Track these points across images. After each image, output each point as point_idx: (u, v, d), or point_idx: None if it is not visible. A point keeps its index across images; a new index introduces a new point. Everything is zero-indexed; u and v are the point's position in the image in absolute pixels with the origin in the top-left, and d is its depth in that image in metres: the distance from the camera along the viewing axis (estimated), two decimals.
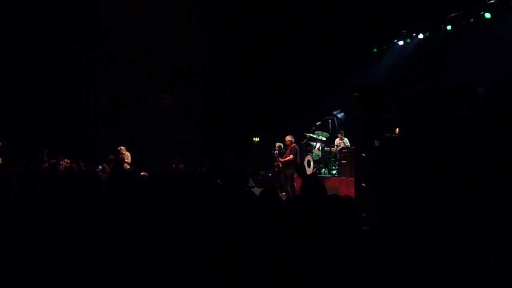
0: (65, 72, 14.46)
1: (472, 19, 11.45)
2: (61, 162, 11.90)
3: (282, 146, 11.46)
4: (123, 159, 12.34)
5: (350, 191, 8.66)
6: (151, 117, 15.95)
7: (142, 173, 6.95)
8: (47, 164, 11.47)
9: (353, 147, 9.91)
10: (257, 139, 17.35)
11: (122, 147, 12.69)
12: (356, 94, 7.82)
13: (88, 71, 15.11)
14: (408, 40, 13.57)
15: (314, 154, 12.14)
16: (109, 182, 4.06)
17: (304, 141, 12.56)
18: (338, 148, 11.78)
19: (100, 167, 11.65)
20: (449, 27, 12.12)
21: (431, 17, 12.36)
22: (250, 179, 11.60)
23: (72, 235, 2.89)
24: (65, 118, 14.44)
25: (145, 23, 15.04)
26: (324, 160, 12.04)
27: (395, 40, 13.91)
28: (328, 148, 12.18)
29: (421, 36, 12.99)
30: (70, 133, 14.27)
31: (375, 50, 14.37)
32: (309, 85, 14.99)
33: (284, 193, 11.02)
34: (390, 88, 8.04)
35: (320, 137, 12.26)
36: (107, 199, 3.63)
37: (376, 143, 7.30)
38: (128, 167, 12.37)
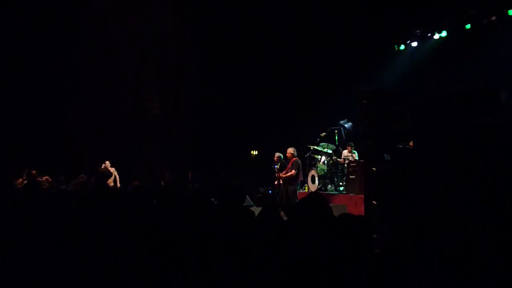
0: (41, 80, 14.49)
1: (494, 17, 11.50)
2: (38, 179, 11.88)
3: (282, 156, 11.44)
4: (106, 173, 12.37)
5: (359, 209, 8.64)
6: (137, 128, 15.96)
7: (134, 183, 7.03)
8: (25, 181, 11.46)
9: (362, 161, 9.91)
10: (255, 152, 17.34)
11: (107, 162, 12.78)
12: (365, 101, 7.83)
13: (65, 78, 15.11)
14: (422, 42, 13.63)
15: (318, 168, 12.13)
16: (79, 201, 4.08)
17: (308, 154, 12.58)
18: (345, 162, 11.79)
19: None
20: (468, 26, 12.18)
21: (448, 15, 12.43)
22: (247, 197, 11.58)
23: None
24: (40, 131, 14.43)
25: (130, 25, 15.09)
26: (330, 175, 12.04)
27: (408, 41, 13.97)
28: (335, 162, 12.18)
29: (437, 36, 13.06)
30: (46, 148, 14.24)
31: (396, 46, 14.21)
32: (313, 92, 15.05)
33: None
34: (403, 94, 8.07)
35: (325, 150, 12.27)
36: (78, 222, 3.65)
37: (387, 156, 7.31)
38: (112, 184, 12.38)
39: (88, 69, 15.16)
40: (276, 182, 11.47)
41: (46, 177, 12.04)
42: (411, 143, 7.53)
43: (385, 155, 7.33)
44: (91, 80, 15.20)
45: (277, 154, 11.57)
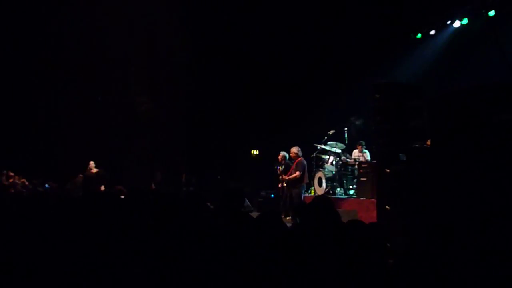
0: (20, 73, 14.51)
1: None
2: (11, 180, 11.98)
3: (287, 156, 11.45)
4: (101, 176, 12.43)
5: (371, 215, 8.64)
6: (126, 125, 15.97)
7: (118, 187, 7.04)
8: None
9: (374, 161, 9.94)
10: (256, 152, 17.35)
11: (91, 162, 12.79)
12: (378, 95, 7.83)
13: (48, 71, 15.11)
14: (441, 30, 13.62)
15: (326, 170, 12.15)
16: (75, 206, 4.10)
17: (314, 154, 12.59)
18: (356, 163, 11.80)
19: (47, 185, 11.69)
20: (492, 13, 12.17)
21: (470, 0, 12.44)
22: (247, 201, 11.60)
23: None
24: (20, 128, 14.46)
25: (117, 12, 15.10)
26: (339, 178, 12.07)
27: (426, 30, 13.96)
28: (344, 162, 12.19)
29: (457, 24, 13.06)
30: (27, 146, 14.27)
31: (413, 35, 14.19)
32: (320, 86, 15.05)
33: (289, 218, 11.01)
34: (420, 88, 8.08)
35: (334, 149, 12.30)
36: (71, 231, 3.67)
37: (402, 156, 7.32)
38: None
39: (71, 60, 15.16)
40: (280, 185, 11.48)
41: (22, 179, 12.14)
42: (428, 142, 7.55)
43: (400, 155, 7.34)
44: (74, 72, 15.18)
45: (281, 154, 11.56)
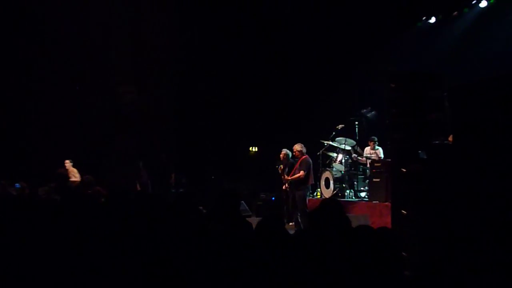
0: None
1: None
2: None
3: (290, 154, 11.42)
4: (67, 175, 12.40)
5: (385, 221, 8.65)
6: (108, 118, 15.91)
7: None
8: None
9: (389, 160, 9.93)
10: (255, 149, 17.35)
11: (67, 161, 12.78)
12: (393, 85, 7.82)
13: (17, 56, 15.02)
14: (466, 10, 13.56)
15: (334, 169, 12.16)
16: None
17: (321, 151, 12.59)
18: (368, 161, 11.80)
19: (18, 185, 11.69)
20: None
21: None
22: (244, 204, 11.58)
23: None
24: None
25: None
26: (349, 178, 12.09)
27: (447, 10, 13.91)
28: (355, 161, 12.19)
29: (483, 3, 13.01)
30: None
31: (430, 18, 14.11)
32: (327, 74, 15.01)
33: (292, 224, 11.00)
34: (441, 76, 8.05)
35: (342, 146, 12.30)
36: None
37: (422, 154, 7.29)
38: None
39: (44, 44, 15.03)
40: (284, 187, 11.46)
41: None
42: (450, 138, 7.52)
43: (420, 152, 7.31)
44: (47, 57, 15.06)
45: (283, 151, 11.50)
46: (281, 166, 11.40)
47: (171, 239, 3.76)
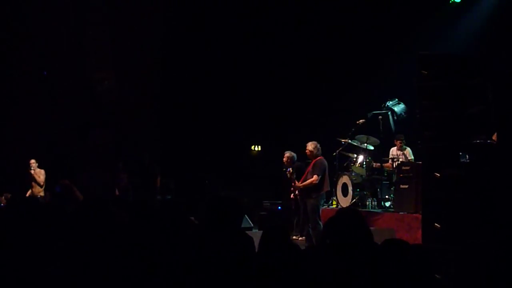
0: None
1: None
2: None
3: (296, 157, 11.40)
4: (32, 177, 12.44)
5: (415, 236, 8.66)
6: (81, 110, 15.94)
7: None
8: None
9: (419, 162, 9.93)
10: (258, 148, 17.38)
11: (32, 160, 12.84)
12: (425, 72, 7.81)
13: None
14: None
15: (353, 173, 12.18)
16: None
17: (337, 151, 12.59)
18: (395, 164, 11.79)
19: None
20: None
21: None
22: (245, 216, 11.58)
23: None
24: None
25: None
26: (372, 184, 12.09)
27: None
28: (378, 164, 12.19)
29: None
30: None
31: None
32: (345, 59, 15.03)
33: (302, 238, 10.99)
34: (483, 61, 8.03)
35: (364, 145, 12.32)
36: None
37: (463, 156, 7.26)
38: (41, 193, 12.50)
39: (6, 23, 15.10)
40: (292, 195, 11.43)
41: None
42: (494, 137, 7.52)
43: (460, 154, 7.29)
44: (10, 38, 15.12)
45: (287, 154, 11.48)
46: (291, 169, 11.33)
47: (155, 254, 3.74)
